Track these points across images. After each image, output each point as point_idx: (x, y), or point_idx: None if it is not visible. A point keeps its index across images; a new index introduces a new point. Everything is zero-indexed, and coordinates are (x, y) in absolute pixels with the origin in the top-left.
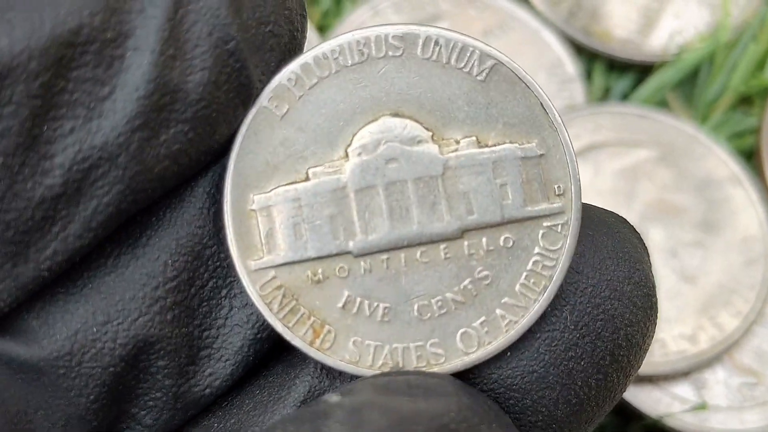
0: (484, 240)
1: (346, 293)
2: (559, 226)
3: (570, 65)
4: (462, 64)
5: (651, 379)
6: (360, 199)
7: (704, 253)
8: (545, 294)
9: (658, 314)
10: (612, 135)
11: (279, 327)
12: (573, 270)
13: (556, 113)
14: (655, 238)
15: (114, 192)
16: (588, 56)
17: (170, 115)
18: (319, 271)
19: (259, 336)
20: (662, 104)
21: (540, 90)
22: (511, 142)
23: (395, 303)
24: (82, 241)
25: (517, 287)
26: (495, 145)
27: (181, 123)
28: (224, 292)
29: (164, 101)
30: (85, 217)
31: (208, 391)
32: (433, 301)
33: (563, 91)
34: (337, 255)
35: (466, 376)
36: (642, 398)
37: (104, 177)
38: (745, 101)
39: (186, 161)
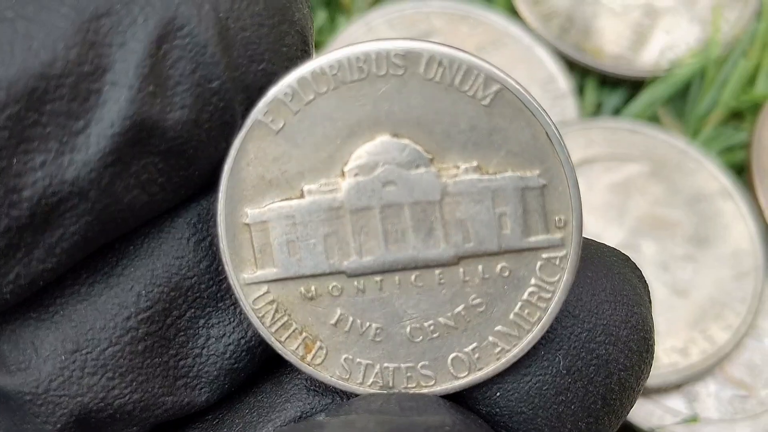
0: (480, 267)
1: (338, 311)
2: (558, 259)
3: (562, 81)
4: (466, 87)
5: (643, 392)
6: (355, 220)
7: (695, 267)
8: (539, 325)
9: (654, 354)
10: (604, 150)
11: (271, 341)
12: (569, 314)
13: (562, 142)
14: (646, 252)
15: (82, 222)
16: (580, 72)
17: (143, 148)
18: (313, 288)
19: (235, 366)
20: (653, 119)
21: (547, 118)
22: (512, 171)
23: (387, 324)
24: (44, 265)
25: (511, 316)
26: (496, 173)
27: (152, 155)
28: (202, 322)
29: (140, 137)
30: (49, 244)
31: (183, 418)
32: (425, 324)
33: (555, 106)
34: (330, 274)
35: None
36: (634, 411)
37: (73, 209)
38: (735, 116)
39: (156, 190)
